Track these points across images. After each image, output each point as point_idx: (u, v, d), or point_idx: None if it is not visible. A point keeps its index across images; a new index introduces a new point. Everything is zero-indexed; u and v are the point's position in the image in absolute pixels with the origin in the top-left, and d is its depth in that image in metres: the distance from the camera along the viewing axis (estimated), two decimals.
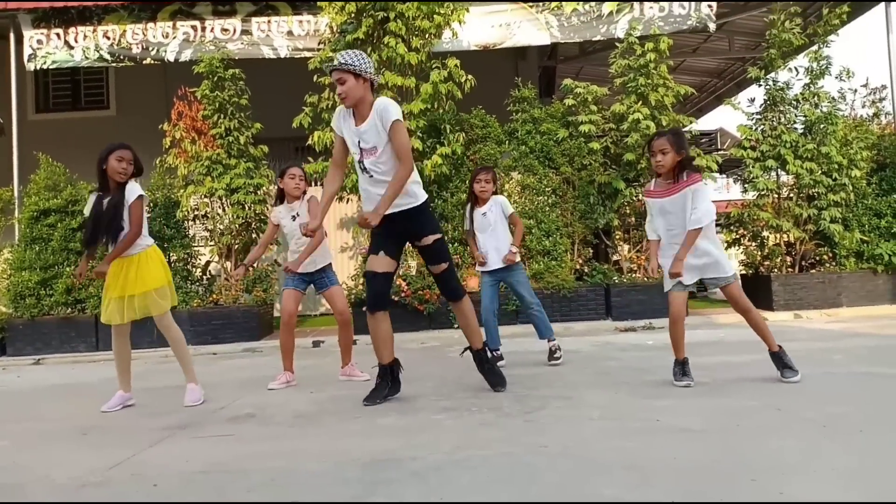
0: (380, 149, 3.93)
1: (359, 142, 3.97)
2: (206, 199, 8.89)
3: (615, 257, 9.64)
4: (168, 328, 4.50)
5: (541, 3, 9.87)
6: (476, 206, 5.42)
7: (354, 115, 4.03)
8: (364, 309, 4.22)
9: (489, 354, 4.41)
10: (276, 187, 5.28)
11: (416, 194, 4.06)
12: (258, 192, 8.92)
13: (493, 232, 5.35)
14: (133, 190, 4.39)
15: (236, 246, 8.99)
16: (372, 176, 3.98)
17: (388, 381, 4.20)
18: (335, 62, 3.98)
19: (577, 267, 9.01)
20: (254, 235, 9.21)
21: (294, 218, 5.02)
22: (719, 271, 4.15)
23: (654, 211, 4.25)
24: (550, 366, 5.30)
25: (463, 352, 4.46)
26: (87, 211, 4.51)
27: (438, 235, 4.13)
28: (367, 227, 3.88)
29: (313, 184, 11.02)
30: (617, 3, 9.77)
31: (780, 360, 4.23)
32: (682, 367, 4.25)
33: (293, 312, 5.05)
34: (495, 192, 5.47)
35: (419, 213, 4.08)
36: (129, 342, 4.51)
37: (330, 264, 5.17)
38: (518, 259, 5.39)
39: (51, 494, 2.70)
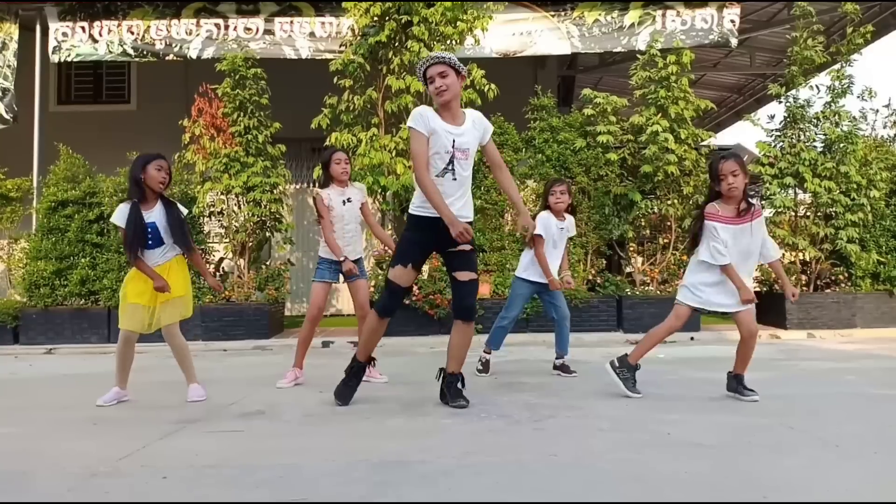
0: (471, 153, 4.02)
1: (454, 141, 3.93)
2: (222, 196, 8.94)
3: (628, 269, 9.60)
4: (176, 336, 4.48)
5: (563, 13, 9.88)
6: (556, 218, 5.30)
7: (441, 115, 3.97)
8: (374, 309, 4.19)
9: (460, 381, 4.16)
10: (317, 171, 5.25)
11: (472, 207, 4.19)
12: (274, 191, 8.95)
13: (558, 249, 5.31)
14: (182, 207, 4.54)
15: (250, 244, 9.02)
16: (456, 179, 3.96)
17: (360, 377, 4.28)
18: (436, 55, 3.96)
19: (590, 278, 8.99)
20: (268, 234, 9.25)
21: (345, 203, 4.98)
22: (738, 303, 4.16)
23: (727, 236, 4.08)
24: (564, 377, 5.28)
25: (438, 376, 4.24)
26: (117, 220, 4.34)
27: (473, 246, 4.10)
28: (467, 240, 3.87)
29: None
30: (639, 15, 9.76)
31: (737, 383, 4.24)
32: (633, 373, 4.36)
33: (322, 307, 5.03)
34: (570, 206, 5.43)
35: (472, 223, 4.13)
36: (134, 346, 4.50)
37: (362, 258, 5.17)
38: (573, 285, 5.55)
39: (61, 483, 2.72)
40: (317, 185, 5.24)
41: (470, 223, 4.06)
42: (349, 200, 5.00)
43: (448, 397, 4.12)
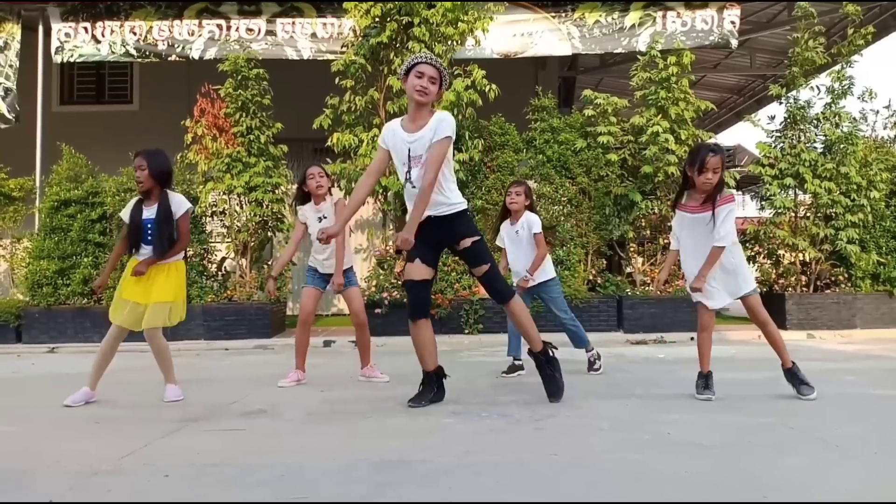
0: (424, 159, 3.92)
1: (409, 150, 3.94)
2: (224, 196, 8.96)
3: (628, 269, 9.62)
4: (155, 338, 4.47)
5: (563, 14, 9.90)
6: (510, 220, 5.32)
7: (404, 125, 4.02)
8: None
9: (551, 354, 4.22)
10: (296, 187, 5.27)
11: (451, 201, 4.02)
12: (276, 191, 8.97)
13: (523, 250, 5.26)
14: (181, 204, 4.50)
15: (252, 243, 9.05)
16: (415, 187, 3.94)
17: (434, 386, 4.17)
18: (433, 59, 3.95)
19: (590, 278, 9.00)
20: (270, 234, 9.27)
21: (320, 220, 4.97)
22: (745, 285, 4.18)
23: (684, 224, 4.23)
24: (590, 374, 5.29)
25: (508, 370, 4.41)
26: (124, 215, 4.52)
27: (477, 237, 4.07)
28: (407, 248, 3.84)
29: (331, 185, 11.10)
30: (640, 16, 9.78)
31: (794, 376, 4.23)
32: (704, 381, 4.25)
33: (312, 311, 5.07)
34: (529, 208, 5.33)
35: (454, 218, 4.03)
36: (118, 345, 4.51)
37: (351, 266, 5.20)
38: (529, 285, 5.23)
39: (63, 481, 2.73)
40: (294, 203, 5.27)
41: (442, 218, 3.99)
42: (325, 217, 4.97)
43: (545, 384, 4.19)
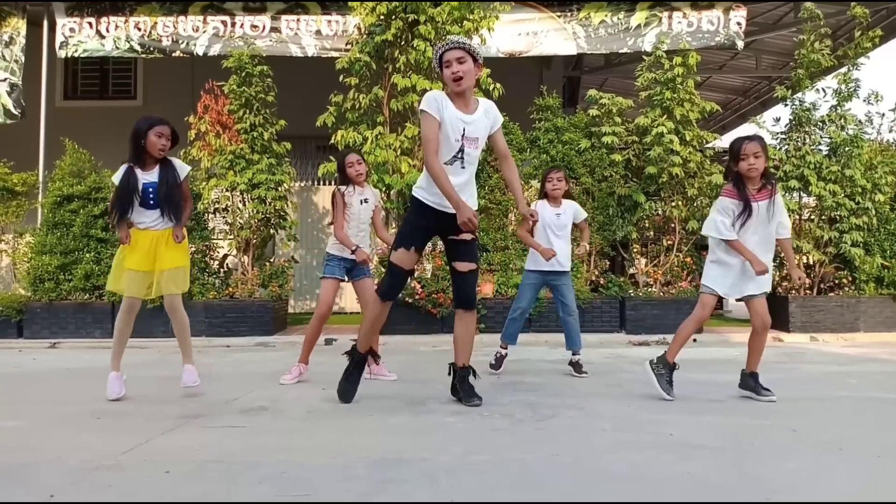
0: (481, 142, 4.01)
1: (464, 129, 3.91)
2: (227, 193, 8.96)
3: (631, 270, 9.60)
4: (179, 309, 4.47)
5: (569, 14, 9.88)
6: (550, 204, 5.36)
7: (455, 104, 3.94)
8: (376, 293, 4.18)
9: (472, 374, 4.19)
10: (322, 168, 5.33)
11: (475, 195, 4.16)
12: (279, 189, 8.96)
13: (565, 233, 5.34)
14: (182, 167, 4.50)
15: (255, 241, 9.04)
16: (465, 167, 3.95)
17: (361, 370, 4.24)
18: (454, 40, 3.95)
19: (593, 278, 8.98)
20: (272, 231, 9.27)
21: (362, 202, 5.03)
22: (768, 282, 4.20)
23: (736, 211, 4.13)
24: (574, 376, 5.27)
25: (450, 371, 4.25)
26: (115, 179, 4.40)
27: (475, 235, 4.10)
28: (474, 228, 3.83)
29: (334, 182, 11.09)
30: (645, 16, 9.76)
31: (754, 381, 4.26)
32: (670, 371, 4.31)
33: (331, 305, 5.04)
34: (567, 192, 5.47)
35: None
36: (134, 320, 4.47)
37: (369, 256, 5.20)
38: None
39: (64, 476, 2.73)
40: (335, 184, 5.26)
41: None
42: (366, 201, 5.07)
43: (461, 394, 4.12)
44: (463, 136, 3.90)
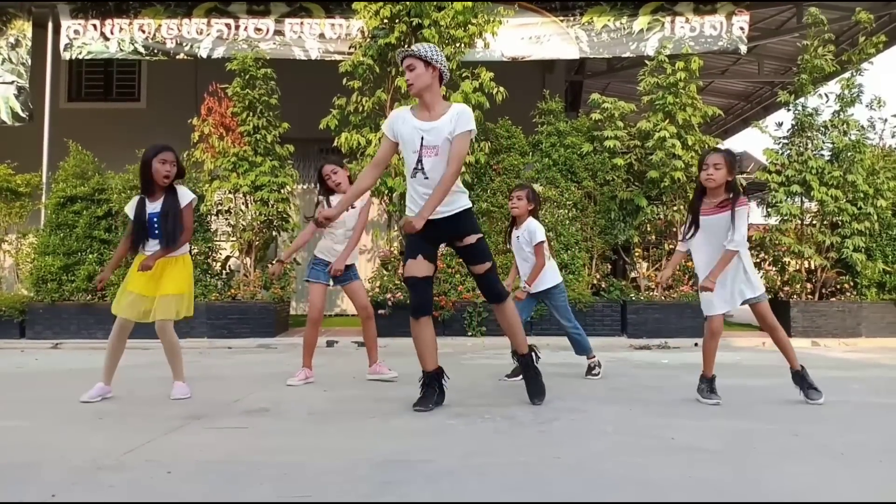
0: (441, 149, 3.89)
1: (422, 138, 3.90)
2: (230, 195, 8.97)
3: (633, 274, 9.60)
4: (165, 333, 4.46)
5: (572, 18, 9.89)
6: (514, 226, 5.25)
7: (416, 113, 4.00)
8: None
9: (536, 359, 4.31)
10: (309, 185, 5.33)
11: (459, 201, 4.02)
12: (282, 191, 8.97)
13: (522, 257, 5.20)
14: (185, 195, 4.50)
15: (257, 243, 9.05)
16: (427, 177, 3.90)
17: (436, 387, 4.11)
18: (401, 52, 4.00)
19: (595, 282, 8.98)
20: (275, 233, 9.28)
21: (349, 208, 5.01)
22: (753, 291, 4.19)
23: (702, 227, 4.26)
24: (586, 378, 5.27)
25: (514, 356, 4.46)
26: (129, 211, 4.49)
27: (480, 235, 4.07)
28: (411, 231, 3.84)
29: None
30: (648, 21, 9.77)
31: (802, 380, 4.26)
32: (709, 384, 4.29)
33: (322, 308, 5.07)
34: (533, 213, 5.18)
35: (461, 214, 4.03)
36: (126, 337, 4.49)
37: (355, 263, 5.22)
38: (523, 297, 5.10)
39: (66, 476, 2.73)
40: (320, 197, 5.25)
41: (451, 217, 3.98)
42: (352, 207, 4.94)
43: (528, 386, 4.22)
44: (421, 146, 3.90)
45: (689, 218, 4.32)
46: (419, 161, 3.92)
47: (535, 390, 4.21)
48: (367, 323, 5.23)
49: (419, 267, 4.02)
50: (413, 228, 3.80)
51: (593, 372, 5.32)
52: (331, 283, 5.16)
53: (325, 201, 5.09)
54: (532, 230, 5.07)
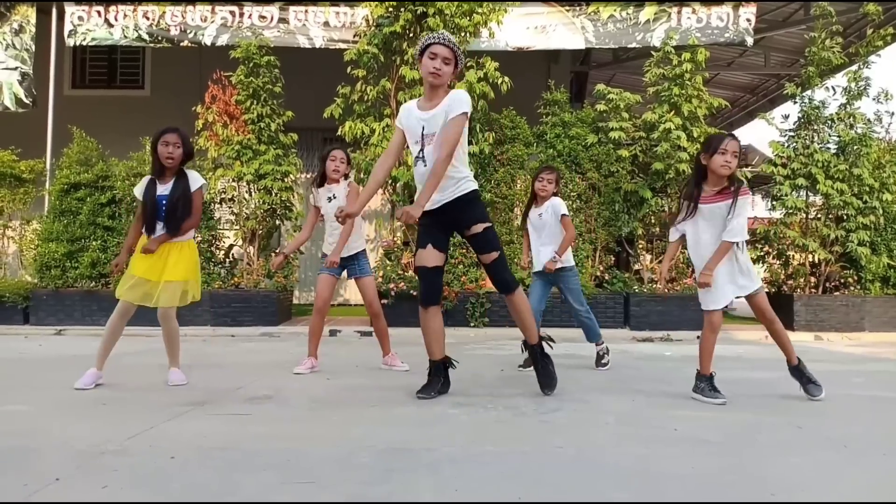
0: (439, 136, 3.89)
1: (423, 128, 3.92)
2: (233, 184, 8.97)
3: (636, 266, 9.59)
4: (167, 320, 4.48)
5: (577, 8, 9.84)
6: (534, 206, 5.32)
7: (420, 104, 4.02)
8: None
9: (546, 349, 4.28)
10: (312, 174, 5.31)
11: (463, 184, 3.97)
12: (285, 180, 8.97)
13: (547, 234, 5.23)
14: (196, 179, 4.48)
15: (260, 231, 9.06)
16: (427, 165, 3.91)
17: (441, 376, 4.14)
18: (446, 39, 3.88)
19: (598, 274, 8.97)
20: (278, 222, 9.28)
21: (330, 199, 5.02)
22: (753, 283, 4.09)
23: (700, 216, 4.08)
24: (597, 370, 5.27)
25: (523, 348, 4.44)
26: (138, 193, 4.47)
27: (488, 224, 4.03)
28: (410, 222, 3.81)
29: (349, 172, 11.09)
30: (654, 12, 9.71)
31: (801, 374, 4.19)
32: (709, 383, 4.12)
33: (328, 299, 5.08)
34: (555, 194, 5.30)
35: (467, 202, 3.99)
36: (125, 322, 4.48)
37: (364, 251, 5.21)
38: (556, 267, 5.16)
39: (69, 460, 2.74)
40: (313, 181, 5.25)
41: (454, 202, 3.96)
42: (334, 197, 5.02)
43: (539, 377, 4.20)
44: (422, 135, 3.93)
45: (686, 204, 4.14)
46: (420, 150, 3.95)
47: (547, 381, 4.19)
48: (375, 320, 5.25)
49: (429, 256, 4.02)
50: (412, 218, 3.77)
51: (603, 362, 5.31)
52: (344, 275, 5.16)
53: (315, 191, 5.11)
54: (556, 205, 5.22)
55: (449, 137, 3.82)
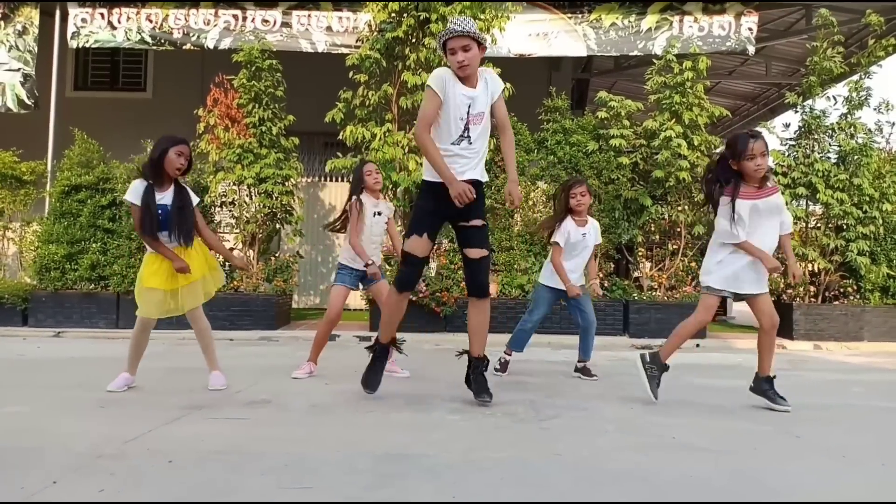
0: (485, 115, 3.95)
1: (469, 105, 3.88)
2: (234, 187, 8.98)
3: (636, 274, 9.58)
4: (199, 318, 4.50)
5: (580, 15, 9.87)
6: (573, 222, 5.05)
7: (460, 79, 3.93)
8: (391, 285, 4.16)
9: (485, 366, 4.18)
10: (352, 177, 5.32)
11: (483, 167, 4.03)
12: (286, 183, 8.98)
13: (585, 255, 5.13)
14: (193, 196, 4.50)
15: (260, 235, 9.06)
16: (472, 143, 3.90)
17: (385, 360, 4.25)
18: (458, 28, 3.83)
19: (597, 281, 8.96)
20: (278, 226, 9.28)
21: (375, 214, 5.04)
22: (764, 283, 4.09)
23: (744, 213, 3.96)
24: (584, 379, 5.23)
25: (459, 354, 4.33)
26: (131, 197, 4.31)
27: (485, 221, 4.06)
28: (517, 204, 4.00)
29: (341, 179, 11.12)
30: (656, 20, 9.74)
31: (769, 384, 4.15)
32: (662, 371, 4.23)
33: (340, 310, 5.07)
34: (588, 211, 5.18)
35: (481, 189, 4.01)
36: (149, 334, 4.48)
37: (378, 263, 5.22)
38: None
39: (67, 462, 2.74)
40: (352, 195, 5.17)
41: (480, 184, 3.98)
42: (379, 213, 5.08)
43: (473, 387, 4.09)
44: (468, 113, 3.88)
45: (733, 206, 3.95)
46: (466, 128, 3.89)
47: (480, 389, 4.07)
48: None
49: (422, 246, 3.98)
50: (517, 201, 3.95)
51: (593, 374, 5.27)
52: (359, 286, 5.17)
53: (357, 201, 5.03)
54: (597, 228, 5.23)
55: (507, 115, 4.04)
